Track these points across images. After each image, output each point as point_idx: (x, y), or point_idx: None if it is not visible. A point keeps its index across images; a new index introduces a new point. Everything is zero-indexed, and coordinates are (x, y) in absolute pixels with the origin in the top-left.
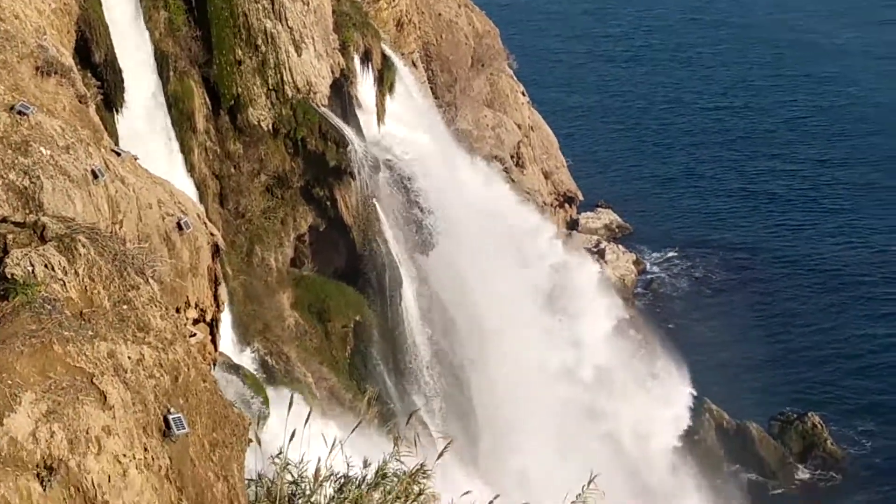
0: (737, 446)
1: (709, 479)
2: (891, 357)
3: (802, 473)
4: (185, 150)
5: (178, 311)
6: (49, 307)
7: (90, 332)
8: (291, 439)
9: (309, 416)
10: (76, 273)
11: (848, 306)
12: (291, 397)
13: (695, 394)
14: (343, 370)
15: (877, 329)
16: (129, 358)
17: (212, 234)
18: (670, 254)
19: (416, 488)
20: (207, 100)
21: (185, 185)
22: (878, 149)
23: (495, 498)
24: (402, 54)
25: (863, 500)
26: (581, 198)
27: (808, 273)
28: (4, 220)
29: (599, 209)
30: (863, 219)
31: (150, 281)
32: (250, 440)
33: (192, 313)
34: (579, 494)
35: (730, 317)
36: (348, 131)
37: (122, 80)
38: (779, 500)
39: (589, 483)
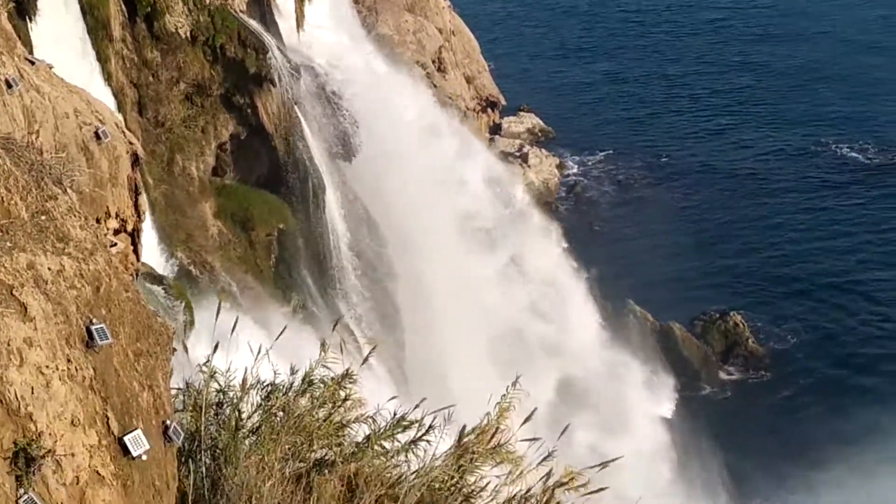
0: (661, 347)
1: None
2: (810, 253)
3: (726, 373)
4: (102, 59)
5: (98, 221)
6: None
7: (8, 244)
8: (216, 350)
9: (236, 324)
10: None
11: (767, 206)
12: (219, 305)
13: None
14: (268, 278)
15: (795, 226)
16: (49, 269)
17: (131, 144)
18: (593, 157)
19: (342, 394)
20: (123, 7)
21: (103, 95)
22: (800, 51)
23: (421, 401)
24: None
25: (787, 397)
26: (504, 102)
27: (728, 174)
28: None
29: (522, 113)
30: (783, 120)
31: (69, 191)
32: (175, 349)
33: (113, 223)
34: (504, 395)
35: (652, 219)
36: (267, 38)
37: None
38: (703, 400)
39: (513, 384)
